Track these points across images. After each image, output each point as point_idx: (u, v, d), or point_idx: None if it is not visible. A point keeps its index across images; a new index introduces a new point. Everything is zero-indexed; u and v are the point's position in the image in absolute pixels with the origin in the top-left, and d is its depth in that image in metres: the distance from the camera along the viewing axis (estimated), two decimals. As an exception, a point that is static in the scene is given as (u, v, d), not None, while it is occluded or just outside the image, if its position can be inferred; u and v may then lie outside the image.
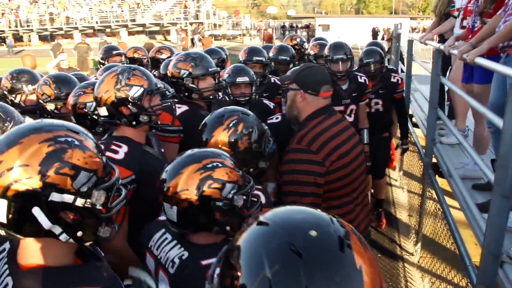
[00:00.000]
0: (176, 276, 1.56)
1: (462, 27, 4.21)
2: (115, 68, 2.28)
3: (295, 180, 2.36)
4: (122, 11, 40.27)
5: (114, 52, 4.85)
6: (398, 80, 4.87)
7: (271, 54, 4.95)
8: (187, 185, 1.57)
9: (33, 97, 3.27)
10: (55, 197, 1.13)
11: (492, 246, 2.29)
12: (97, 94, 2.23)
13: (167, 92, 2.43)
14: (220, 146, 2.11)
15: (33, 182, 1.11)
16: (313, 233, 0.78)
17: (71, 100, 2.67)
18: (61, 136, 1.17)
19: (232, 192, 1.61)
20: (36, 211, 1.12)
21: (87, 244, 1.27)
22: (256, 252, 0.78)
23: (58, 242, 1.18)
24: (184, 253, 1.60)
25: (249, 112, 2.32)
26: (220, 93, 3.45)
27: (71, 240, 1.19)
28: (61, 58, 7.20)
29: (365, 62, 4.67)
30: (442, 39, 4.62)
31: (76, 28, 38.52)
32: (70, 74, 3.40)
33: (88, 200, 1.19)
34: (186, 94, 2.98)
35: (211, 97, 3.02)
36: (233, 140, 2.13)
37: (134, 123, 2.23)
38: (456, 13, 4.59)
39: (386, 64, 5.00)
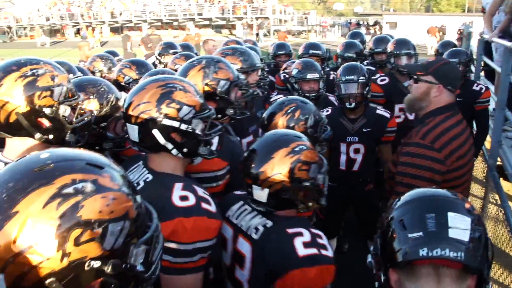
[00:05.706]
0: (261, 241, 1.72)
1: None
2: (197, 60, 2.32)
3: (413, 173, 2.36)
4: (190, 5, 41.27)
5: (171, 50, 4.67)
6: (481, 88, 4.30)
7: (338, 51, 4.98)
8: (280, 169, 1.71)
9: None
10: (166, 122, 1.68)
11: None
12: None
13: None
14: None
15: (152, 112, 1.67)
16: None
17: None
18: (170, 83, 1.74)
19: (316, 172, 1.77)
20: (155, 131, 1.68)
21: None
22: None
23: (172, 157, 1.73)
24: (267, 222, 1.76)
25: (307, 101, 2.48)
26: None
27: (180, 155, 1.73)
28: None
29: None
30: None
31: (145, 20, 39.93)
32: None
33: (189, 126, 1.71)
34: None
35: (254, 93, 2.97)
36: (290, 125, 2.34)
37: (219, 116, 2.24)
38: None
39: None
